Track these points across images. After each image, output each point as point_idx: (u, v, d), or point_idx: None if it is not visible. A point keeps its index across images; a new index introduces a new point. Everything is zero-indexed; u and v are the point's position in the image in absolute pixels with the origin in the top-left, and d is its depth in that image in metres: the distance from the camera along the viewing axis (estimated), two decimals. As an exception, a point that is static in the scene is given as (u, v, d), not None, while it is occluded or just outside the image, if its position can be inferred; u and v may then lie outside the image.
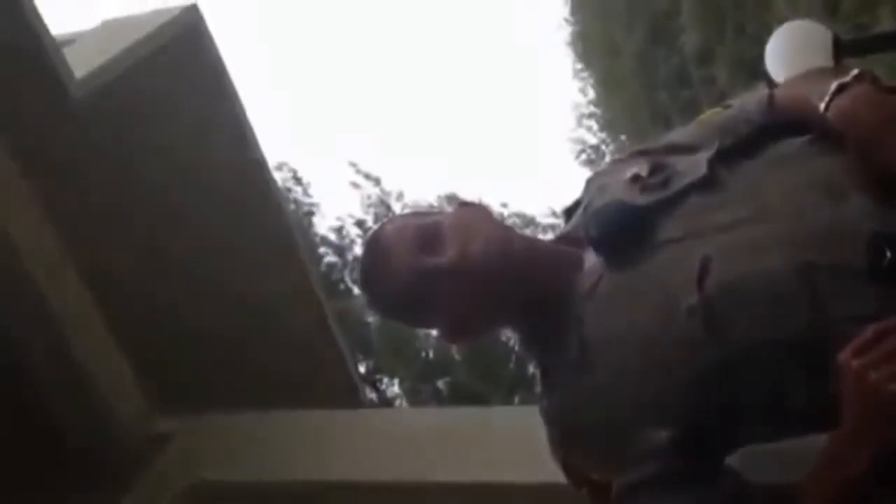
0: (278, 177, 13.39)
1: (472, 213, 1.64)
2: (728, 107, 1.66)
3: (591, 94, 23.31)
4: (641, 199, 1.54)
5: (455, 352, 15.11)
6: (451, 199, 15.77)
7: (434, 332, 1.81)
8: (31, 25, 4.56)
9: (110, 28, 6.04)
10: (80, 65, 5.05)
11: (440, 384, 15.95)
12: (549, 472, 1.63)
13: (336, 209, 19.40)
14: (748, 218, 1.45)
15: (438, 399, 15.62)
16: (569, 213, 1.70)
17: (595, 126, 23.36)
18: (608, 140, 22.56)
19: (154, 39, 5.72)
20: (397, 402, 16.00)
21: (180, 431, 4.64)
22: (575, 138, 23.50)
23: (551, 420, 1.58)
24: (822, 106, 1.43)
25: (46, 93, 4.73)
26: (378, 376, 16.07)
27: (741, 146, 1.55)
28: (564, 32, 23.65)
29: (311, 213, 17.24)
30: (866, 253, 1.36)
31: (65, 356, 4.36)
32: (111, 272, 4.88)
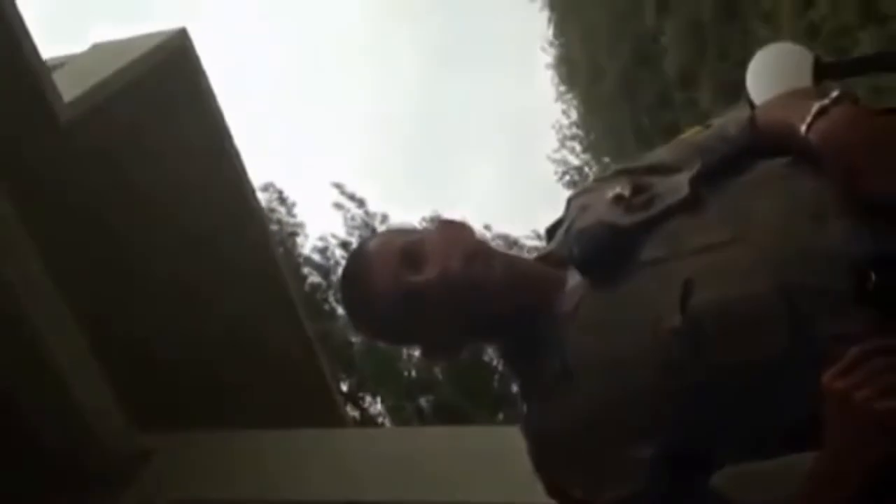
0: (263, 197, 13.41)
1: (454, 231, 1.64)
2: (709, 127, 1.66)
3: (575, 115, 23.44)
4: (624, 220, 1.54)
5: (438, 370, 15.11)
6: (435, 220, 15.76)
7: (417, 350, 1.80)
8: (21, 48, 4.56)
9: (100, 51, 6.05)
10: (70, 88, 5.06)
11: (423, 402, 15.92)
12: (530, 492, 1.63)
13: (321, 229, 19.41)
14: (731, 239, 1.45)
15: (421, 417, 15.58)
16: (551, 232, 1.70)
17: (578, 147, 23.47)
18: (591, 161, 22.64)
19: (143, 63, 5.74)
20: (380, 421, 15.96)
21: (163, 449, 4.61)
22: (558, 159, 23.61)
23: (534, 438, 1.58)
24: (803, 128, 1.43)
25: (35, 115, 4.72)
26: (361, 394, 16.03)
27: (723, 167, 1.56)
28: (548, 55, 23.81)
29: (294, 234, 17.25)
30: (849, 275, 1.36)
31: (47, 375, 4.34)
32: (94, 291, 4.86)
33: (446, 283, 1.54)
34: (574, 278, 1.57)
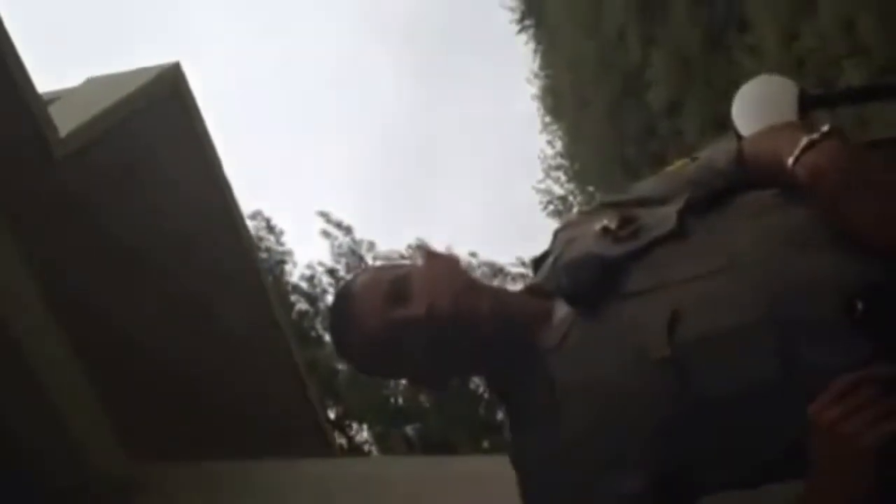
0: (252, 226, 13.41)
1: (440, 265, 1.66)
2: (696, 159, 1.67)
3: (560, 146, 23.51)
4: (612, 251, 1.55)
5: (424, 398, 15.07)
6: (422, 248, 15.79)
7: (404, 380, 1.81)
8: (17, 82, 4.57)
9: (94, 85, 6.08)
10: (65, 122, 5.08)
11: (410, 430, 15.87)
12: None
13: (308, 256, 19.39)
14: (718, 270, 1.46)
15: (408, 445, 15.54)
16: (537, 264, 1.71)
17: (563, 178, 23.52)
18: (576, 192, 22.69)
19: (137, 97, 5.77)
20: (367, 449, 15.90)
21: (152, 479, 4.60)
22: (543, 189, 23.67)
23: (521, 469, 1.58)
24: (791, 161, 1.44)
25: (30, 149, 4.74)
26: (348, 422, 15.98)
27: (710, 198, 1.56)
28: (534, 86, 23.91)
29: (283, 262, 17.24)
30: (837, 305, 1.36)
31: (42, 403, 4.32)
32: (89, 320, 4.86)
33: (433, 318, 1.55)
34: (561, 310, 1.58)
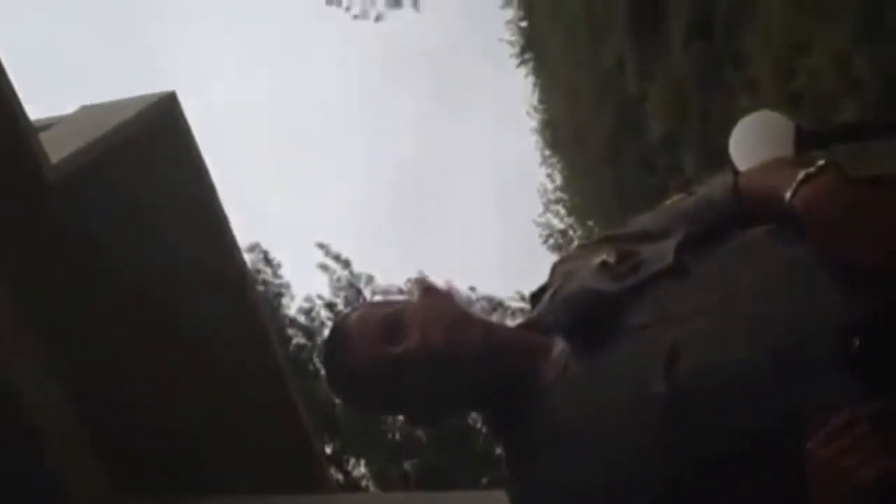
0: (249, 258, 13.40)
1: (434, 300, 1.66)
2: (693, 193, 1.67)
3: (559, 179, 23.53)
4: (610, 286, 1.55)
5: (422, 433, 14.99)
6: (420, 282, 15.76)
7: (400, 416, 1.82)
8: (9, 109, 4.58)
9: (88, 113, 6.09)
10: (58, 149, 5.09)
11: (407, 466, 15.79)
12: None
13: (306, 289, 19.34)
14: (716, 305, 1.46)
15: (405, 481, 15.45)
16: (535, 298, 1.71)
17: (562, 211, 23.53)
18: (575, 225, 22.70)
19: (131, 125, 5.77)
20: (364, 484, 15.81)
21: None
22: (543, 223, 23.68)
23: (519, 503, 1.58)
24: (787, 195, 1.45)
25: (22, 175, 4.74)
26: (345, 457, 15.89)
27: (707, 233, 1.56)
28: (533, 120, 23.97)
29: (280, 294, 17.20)
30: (835, 341, 1.36)
31: (29, 440, 4.30)
32: (78, 349, 4.85)
33: (427, 354, 1.55)
34: (559, 345, 1.58)
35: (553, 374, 1.56)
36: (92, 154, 5.40)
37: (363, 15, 23.63)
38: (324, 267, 17.58)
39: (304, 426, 7.14)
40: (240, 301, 6.80)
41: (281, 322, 15.77)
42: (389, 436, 15.63)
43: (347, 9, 23.50)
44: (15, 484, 4.32)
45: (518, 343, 1.64)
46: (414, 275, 17.58)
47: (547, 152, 23.61)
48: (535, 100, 23.54)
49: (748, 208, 1.56)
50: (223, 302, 6.53)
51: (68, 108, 6.30)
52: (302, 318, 17.10)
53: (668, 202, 1.72)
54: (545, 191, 23.88)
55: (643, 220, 1.72)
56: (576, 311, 1.56)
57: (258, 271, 16.21)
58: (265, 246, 17.24)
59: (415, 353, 1.56)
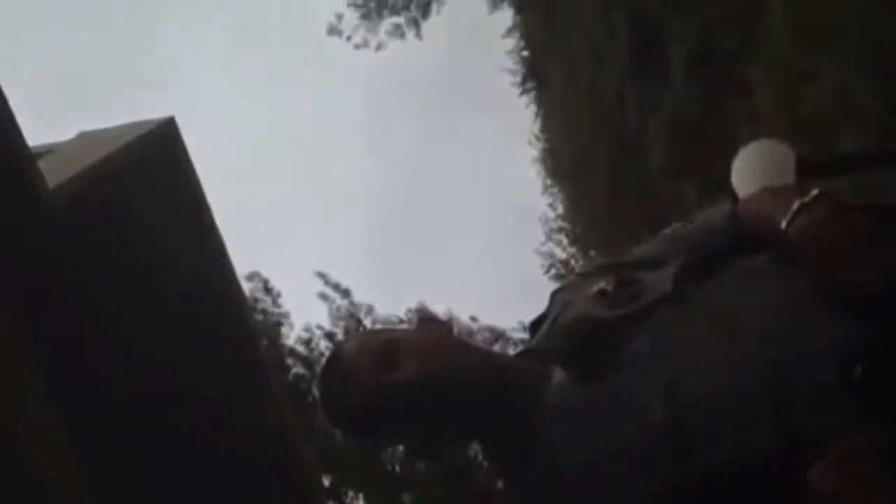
0: (248, 287, 13.37)
1: (432, 330, 1.66)
2: (692, 221, 1.68)
3: (561, 208, 23.60)
4: (608, 314, 1.54)
5: (421, 466, 14.94)
6: (420, 312, 15.76)
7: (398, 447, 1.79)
8: (7, 135, 4.59)
9: (86, 139, 6.10)
10: (56, 175, 5.09)
11: (406, 499, 15.73)
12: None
13: (306, 318, 19.33)
14: (715, 333, 1.46)
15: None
16: (534, 327, 1.70)
17: (565, 241, 23.58)
18: (578, 255, 22.72)
19: (129, 151, 5.78)
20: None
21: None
22: (545, 252, 23.73)
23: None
24: (783, 224, 1.45)
25: (20, 201, 4.74)
26: (343, 490, 15.82)
27: (706, 261, 1.56)
28: (535, 149, 24.07)
29: (279, 324, 17.18)
30: (834, 368, 1.36)
31: (21, 461, 4.28)
32: (73, 380, 4.83)
33: (424, 381, 1.55)
34: (558, 373, 1.57)
35: (551, 403, 1.55)
36: (90, 179, 5.41)
37: (364, 44, 23.75)
38: (323, 296, 17.60)
39: (302, 457, 7.12)
40: (237, 330, 6.79)
41: (279, 351, 15.75)
42: (388, 468, 15.58)
43: (349, 38, 23.63)
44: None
45: (517, 371, 1.63)
46: (414, 305, 17.57)
47: (548, 181, 23.69)
48: (536, 129, 23.64)
49: (746, 234, 1.56)
50: (220, 330, 6.52)
51: (67, 134, 6.33)
52: (301, 348, 17.09)
53: (666, 230, 1.73)
54: (547, 220, 23.97)
55: (644, 248, 1.73)
56: (572, 338, 1.56)
57: (257, 300, 16.20)
58: (265, 275, 17.24)
59: (412, 380, 1.55)
